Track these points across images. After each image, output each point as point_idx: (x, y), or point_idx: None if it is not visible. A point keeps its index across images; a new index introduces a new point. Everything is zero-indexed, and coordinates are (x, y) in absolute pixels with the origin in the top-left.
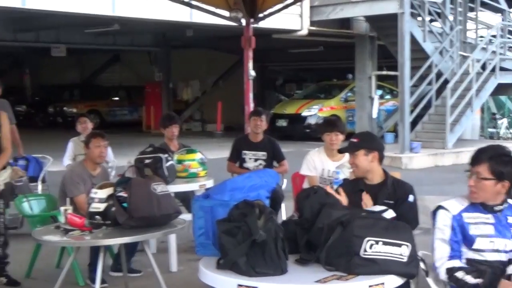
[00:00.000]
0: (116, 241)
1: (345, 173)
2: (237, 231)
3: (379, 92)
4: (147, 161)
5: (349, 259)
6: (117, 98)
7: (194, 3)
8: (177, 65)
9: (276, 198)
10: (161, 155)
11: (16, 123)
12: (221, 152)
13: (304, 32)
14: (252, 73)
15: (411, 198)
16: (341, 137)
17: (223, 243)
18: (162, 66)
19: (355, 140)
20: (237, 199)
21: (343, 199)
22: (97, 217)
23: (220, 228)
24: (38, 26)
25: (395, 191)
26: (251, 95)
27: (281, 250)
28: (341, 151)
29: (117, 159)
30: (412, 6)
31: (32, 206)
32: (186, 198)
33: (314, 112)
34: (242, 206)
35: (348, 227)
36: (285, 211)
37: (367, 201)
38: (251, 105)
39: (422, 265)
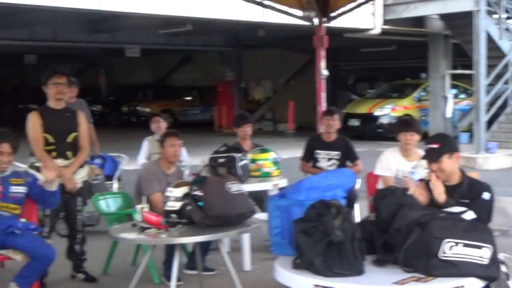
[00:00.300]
0: (191, 240)
1: (421, 174)
2: (314, 231)
3: (453, 91)
4: (221, 160)
5: (427, 261)
6: (189, 98)
7: (266, 3)
8: (249, 65)
9: (349, 198)
10: (234, 154)
11: (92, 122)
12: (293, 151)
13: (377, 31)
14: (325, 72)
15: (485, 195)
16: (416, 137)
17: (299, 243)
18: (233, 66)
19: (435, 146)
20: (313, 198)
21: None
22: (173, 215)
23: (297, 228)
24: (113, 27)
25: (470, 190)
26: (323, 95)
27: (358, 250)
28: (425, 159)
29: (190, 158)
30: (488, 4)
31: (108, 204)
32: (259, 198)
33: (386, 111)
34: (318, 206)
35: (427, 228)
36: (359, 211)
37: (436, 186)
38: (323, 105)
39: (503, 267)
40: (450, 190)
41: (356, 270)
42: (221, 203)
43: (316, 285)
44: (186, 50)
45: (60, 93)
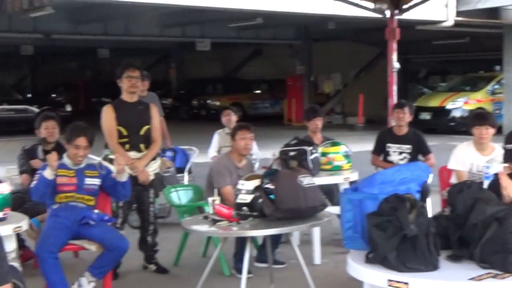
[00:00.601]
0: (263, 233)
1: (496, 168)
2: (388, 225)
3: None
4: (292, 153)
5: (505, 257)
6: (259, 91)
7: None
8: (319, 58)
9: (422, 192)
10: (305, 147)
11: (163, 116)
12: (363, 145)
13: (450, 23)
14: (397, 65)
15: None
16: (491, 131)
17: (373, 237)
18: (303, 59)
19: None
20: (386, 192)
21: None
22: (244, 208)
23: (370, 222)
24: (184, 21)
25: None
26: (395, 88)
27: (433, 245)
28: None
29: (260, 152)
30: None
31: (180, 196)
32: (329, 191)
33: (459, 105)
34: (392, 200)
35: (504, 224)
36: (431, 206)
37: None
38: (395, 98)
39: None
40: None
41: (431, 265)
42: (293, 196)
43: (390, 280)
44: (256, 44)
45: (133, 86)
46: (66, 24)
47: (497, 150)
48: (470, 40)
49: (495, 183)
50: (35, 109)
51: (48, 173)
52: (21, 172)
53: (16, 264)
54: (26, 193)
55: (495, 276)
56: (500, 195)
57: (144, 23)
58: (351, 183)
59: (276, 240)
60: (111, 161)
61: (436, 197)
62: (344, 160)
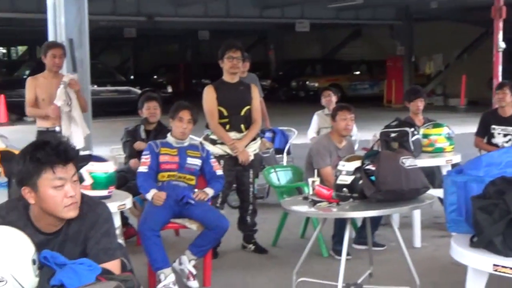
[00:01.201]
0: (363, 214)
1: None
2: (494, 209)
3: None
4: (393, 134)
5: None
6: (358, 73)
7: None
8: (419, 38)
9: None
10: (407, 129)
11: (262, 97)
12: (465, 127)
13: None
14: (502, 44)
15: None
16: None
17: (478, 221)
18: (404, 40)
19: None
20: (493, 175)
21: None
22: (344, 189)
23: (475, 205)
24: (284, 3)
25: None
26: (500, 68)
27: None
28: None
29: (360, 133)
30: None
31: (279, 177)
32: (431, 174)
33: None
34: (499, 183)
35: None
36: None
37: None
38: (500, 79)
39: None
40: None
41: None
42: (395, 178)
43: (496, 265)
44: (355, 24)
45: (234, 67)
46: (168, 7)
47: None
48: None
49: None
50: (137, 90)
51: (149, 196)
52: (129, 157)
53: (120, 241)
54: (129, 172)
55: None
56: None
57: (243, 5)
58: (454, 165)
59: (376, 222)
60: (212, 140)
61: None
62: (447, 142)
